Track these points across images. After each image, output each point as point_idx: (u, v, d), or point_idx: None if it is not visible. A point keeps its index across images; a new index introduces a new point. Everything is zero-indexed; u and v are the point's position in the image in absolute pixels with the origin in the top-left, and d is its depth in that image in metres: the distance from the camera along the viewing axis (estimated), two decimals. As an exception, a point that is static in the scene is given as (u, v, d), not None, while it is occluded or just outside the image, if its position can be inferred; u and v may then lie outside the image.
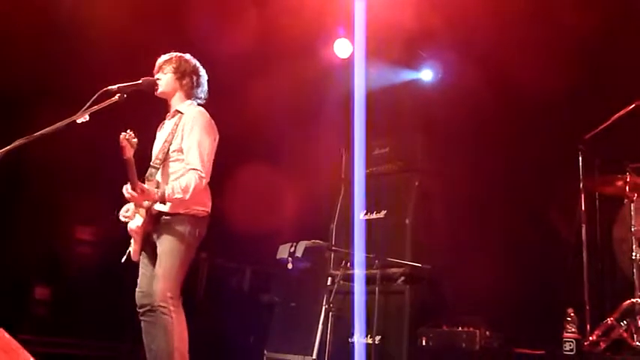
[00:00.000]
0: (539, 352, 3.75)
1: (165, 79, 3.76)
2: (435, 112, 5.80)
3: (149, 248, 3.69)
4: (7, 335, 2.28)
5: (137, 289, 3.73)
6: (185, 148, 3.66)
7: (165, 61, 3.80)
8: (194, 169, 3.60)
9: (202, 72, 3.89)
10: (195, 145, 3.64)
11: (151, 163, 3.75)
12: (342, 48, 6.32)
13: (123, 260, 3.71)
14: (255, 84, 5.93)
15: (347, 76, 6.28)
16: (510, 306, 4.86)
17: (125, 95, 3.39)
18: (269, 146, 6.47)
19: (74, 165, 5.96)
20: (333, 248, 5.21)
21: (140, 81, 3.52)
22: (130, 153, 3.43)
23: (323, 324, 5.19)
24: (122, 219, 3.74)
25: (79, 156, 5.88)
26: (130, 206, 3.73)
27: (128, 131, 3.42)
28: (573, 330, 3.71)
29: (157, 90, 3.76)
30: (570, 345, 3.64)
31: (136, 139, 3.44)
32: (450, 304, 4.86)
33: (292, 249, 5.55)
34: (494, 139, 5.42)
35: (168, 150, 3.69)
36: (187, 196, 3.55)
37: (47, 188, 6.06)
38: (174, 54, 3.85)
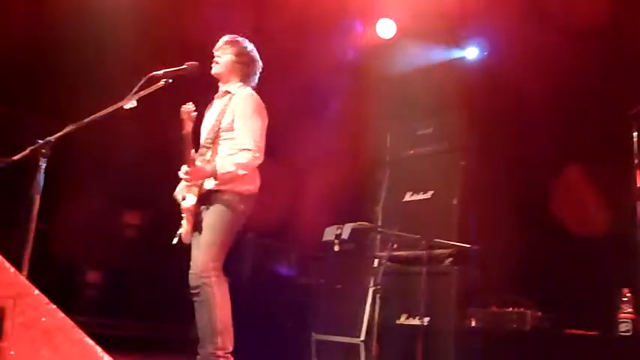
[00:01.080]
0: (592, 333, 3.65)
1: (224, 60, 3.82)
2: (479, 90, 5.68)
3: (200, 227, 3.73)
4: (61, 314, 2.32)
5: (190, 271, 3.78)
6: (236, 127, 3.70)
7: (227, 42, 3.85)
8: (246, 149, 3.63)
9: (258, 61, 3.93)
10: (247, 125, 3.68)
11: (202, 143, 3.79)
12: (384, 28, 6.24)
13: (174, 242, 3.75)
14: (296, 64, 5.90)
15: (390, 56, 6.22)
16: (561, 286, 4.75)
17: (170, 80, 3.40)
18: (312, 127, 6.45)
19: (123, 151, 6.06)
20: (380, 230, 5.18)
21: (185, 66, 3.53)
22: (188, 127, 3.50)
23: (370, 306, 5.19)
24: (176, 198, 3.79)
25: (127, 142, 5.97)
26: (181, 188, 3.78)
27: (189, 104, 3.46)
28: (629, 310, 3.60)
29: (213, 68, 3.82)
30: (626, 325, 3.54)
31: (195, 113, 3.49)
32: (498, 285, 4.78)
33: (339, 231, 5.54)
34: (540, 116, 5.29)
35: (219, 129, 3.72)
36: (240, 172, 3.60)
37: (97, 174, 6.17)
38: (237, 37, 3.92)
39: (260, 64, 3.95)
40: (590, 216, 4.88)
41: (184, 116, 3.47)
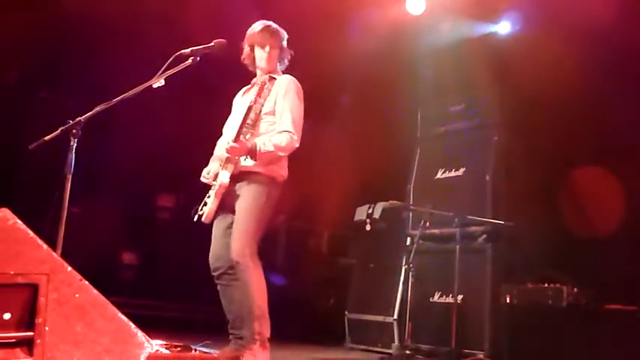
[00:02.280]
0: (631, 308, 3.57)
1: (273, 55, 3.83)
2: (512, 65, 5.56)
3: (227, 207, 3.73)
4: (94, 290, 2.35)
5: (211, 253, 3.78)
6: (278, 111, 3.72)
7: (272, 35, 3.83)
8: (287, 130, 3.66)
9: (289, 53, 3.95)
10: (288, 109, 3.71)
11: (241, 124, 3.76)
12: (414, 4, 6.14)
13: (194, 220, 3.74)
14: (326, 44, 5.86)
15: (420, 32, 6.13)
16: (597, 262, 4.65)
17: (198, 58, 3.40)
18: (343, 107, 6.42)
19: (157, 133, 6.11)
20: (412, 208, 5.14)
21: (212, 44, 3.52)
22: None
23: (403, 284, 5.17)
24: (203, 180, 3.80)
25: (162, 124, 6.02)
26: (212, 167, 3.78)
27: None
28: (668, 285, 3.52)
29: (263, 62, 3.82)
30: (665, 300, 3.46)
31: None
32: (533, 262, 4.71)
33: (370, 210, 5.51)
34: (575, 91, 5.16)
35: (260, 111, 3.72)
36: (280, 153, 3.63)
37: (131, 157, 6.24)
38: (273, 26, 3.88)
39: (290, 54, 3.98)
40: (626, 189, 4.76)
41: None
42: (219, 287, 3.77)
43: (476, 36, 6.02)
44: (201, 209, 3.72)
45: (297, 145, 3.70)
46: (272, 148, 3.60)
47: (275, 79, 3.81)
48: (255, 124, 3.72)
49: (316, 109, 6.12)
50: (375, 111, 6.39)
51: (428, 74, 5.99)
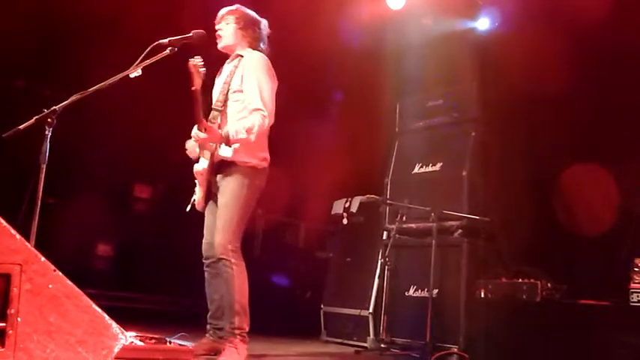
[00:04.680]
0: (603, 304, 3.63)
1: (227, 30, 3.76)
2: (491, 61, 5.60)
3: (212, 199, 3.72)
4: (68, 281, 2.32)
5: (204, 241, 3.78)
6: (245, 89, 3.66)
7: (227, 13, 3.79)
8: (257, 109, 3.58)
9: (263, 24, 3.87)
10: (255, 86, 3.63)
11: (213, 106, 3.74)
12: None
13: (188, 209, 3.74)
14: (306, 34, 5.84)
15: (399, 27, 6.14)
16: (572, 258, 4.72)
17: (176, 49, 3.36)
18: (321, 100, 6.41)
19: (133, 124, 6.04)
20: (389, 202, 5.16)
21: (190, 34, 3.49)
22: (197, 83, 3.42)
23: (379, 278, 5.19)
24: (189, 154, 3.76)
25: (138, 115, 5.96)
26: (195, 145, 3.74)
27: (196, 57, 3.41)
28: (641, 281, 3.57)
29: (219, 42, 3.77)
30: (638, 296, 3.51)
31: (204, 69, 3.43)
32: (508, 257, 4.75)
33: (347, 204, 5.52)
34: (552, 88, 5.21)
35: (228, 91, 3.69)
36: (252, 137, 3.54)
37: (106, 147, 6.18)
38: (236, 5, 3.84)
39: (265, 24, 3.89)
40: (603, 188, 4.83)
41: (192, 69, 3.40)
42: (206, 275, 3.77)
43: (455, 32, 6.05)
44: (193, 198, 3.74)
45: (269, 122, 3.60)
46: (245, 135, 3.52)
47: (242, 56, 3.76)
48: (224, 104, 3.69)
49: (297, 103, 6.14)
50: (355, 105, 6.39)
51: (407, 69, 6.01)
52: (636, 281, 3.55)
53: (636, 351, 3.21)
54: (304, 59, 5.99)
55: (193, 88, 3.42)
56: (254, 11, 3.90)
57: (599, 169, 4.73)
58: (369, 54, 6.24)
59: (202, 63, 3.43)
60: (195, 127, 3.56)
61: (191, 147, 3.77)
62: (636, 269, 3.57)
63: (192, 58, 3.42)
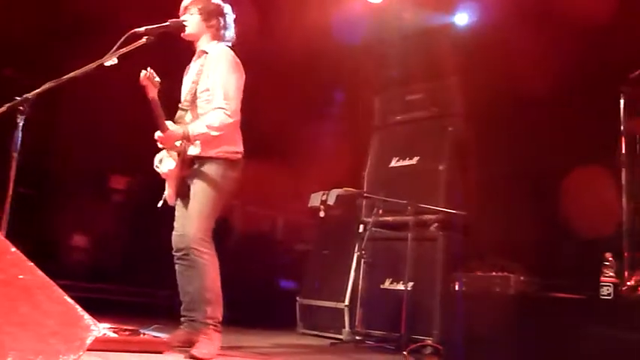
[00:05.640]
0: (574, 297, 3.68)
1: (191, 20, 3.71)
2: (470, 56, 5.63)
3: (184, 192, 3.71)
4: (40, 272, 2.30)
5: (174, 232, 3.77)
6: (210, 87, 3.64)
7: (192, 2, 3.74)
8: (218, 107, 3.57)
9: (229, 13, 3.83)
10: (219, 83, 3.61)
11: (180, 106, 3.74)
12: (374, -7, 6.15)
13: (159, 205, 3.73)
14: (287, 29, 5.82)
15: (379, 21, 6.14)
16: (547, 253, 4.77)
17: (153, 38, 3.33)
18: (298, 94, 6.38)
19: (110, 115, 5.98)
20: (366, 195, 5.18)
21: (168, 22, 3.46)
22: (153, 92, 3.42)
23: (355, 271, 5.21)
24: (156, 169, 3.76)
25: (114, 105, 5.89)
26: (163, 154, 3.74)
27: (149, 69, 3.39)
28: (611, 274, 3.61)
29: (184, 32, 3.72)
30: (608, 289, 3.55)
31: (158, 79, 3.42)
32: (484, 251, 4.80)
33: (324, 197, 5.53)
34: (531, 82, 5.24)
35: (196, 91, 3.67)
36: (213, 133, 3.53)
37: (82, 137, 6.11)
38: None
39: (231, 16, 3.84)
40: (578, 181, 4.88)
41: (145, 82, 3.39)
42: (178, 267, 3.76)
43: (434, 27, 6.08)
44: (165, 194, 3.73)
45: (233, 119, 3.57)
46: (204, 130, 3.52)
47: (207, 52, 3.73)
48: (192, 103, 3.67)
49: (277, 98, 6.13)
50: (334, 98, 6.39)
51: (387, 63, 6.02)
52: (606, 275, 3.60)
53: (605, 342, 3.26)
54: (286, 55, 5.98)
55: (149, 98, 3.40)
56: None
57: (579, 165, 4.78)
58: (348, 47, 6.24)
59: (155, 74, 3.41)
60: (158, 132, 3.56)
61: (158, 157, 3.76)
62: (606, 263, 3.62)
63: (145, 69, 3.39)
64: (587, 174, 4.78)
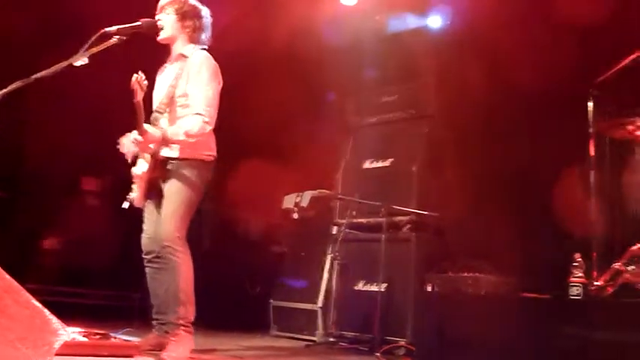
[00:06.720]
0: (544, 297, 3.72)
1: (166, 21, 3.69)
2: (444, 58, 5.67)
3: (155, 194, 3.68)
4: (7, 276, 2.26)
5: (143, 235, 3.75)
6: (190, 92, 3.62)
7: (168, 2, 3.72)
8: (198, 113, 3.57)
9: (206, 15, 3.81)
10: (200, 89, 3.62)
11: (155, 108, 3.71)
12: (347, -5, 6.16)
13: (124, 207, 3.68)
14: (259, 26, 5.80)
15: (353, 23, 6.16)
16: (519, 254, 4.82)
17: (124, 37, 3.30)
18: (271, 97, 6.37)
19: (78, 115, 5.92)
20: (339, 197, 5.19)
21: (139, 22, 3.44)
22: (140, 96, 3.41)
23: (328, 272, 5.22)
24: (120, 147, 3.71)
25: (86, 106, 5.83)
26: (125, 141, 3.69)
27: (140, 73, 3.38)
28: (580, 275, 3.67)
29: (159, 34, 3.69)
30: (577, 289, 3.61)
31: (146, 82, 3.41)
32: (456, 252, 4.83)
33: (298, 199, 5.51)
34: (505, 83, 5.30)
35: (174, 95, 3.65)
36: (190, 140, 3.53)
37: (53, 139, 6.03)
38: None
39: (207, 18, 3.82)
40: (549, 183, 4.94)
41: (135, 86, 3.38)
42: (148, 271, 3.74)
43: (408, 29, 6.11)
44: (130, 196, 3.68)
45: (210, 127, 3.60)
46: (182, 137, 3.54)
47: (186, 56, 3.71)
48: (170, 107, 3.65)
49: (247, 97, 6.11)
50: (310, 99, 6.39)
51: (363, 64, 6.04)
52: (576, 275, 3.65)
53: (574, 341, 3.30)
54: (259, 57, 5.97)
55: (135, 101, 3.39)
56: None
57: (551, 166, 4.84)
58: (321, 49, 6.24)
59: (144, 77, 3.40)
60: (132, 133, 3.55)
61: (125, 143, 3.71)
62: (575, 264, 3.67)
63: (136, 74, 3.37)
64: (558, 175, 4.85)
